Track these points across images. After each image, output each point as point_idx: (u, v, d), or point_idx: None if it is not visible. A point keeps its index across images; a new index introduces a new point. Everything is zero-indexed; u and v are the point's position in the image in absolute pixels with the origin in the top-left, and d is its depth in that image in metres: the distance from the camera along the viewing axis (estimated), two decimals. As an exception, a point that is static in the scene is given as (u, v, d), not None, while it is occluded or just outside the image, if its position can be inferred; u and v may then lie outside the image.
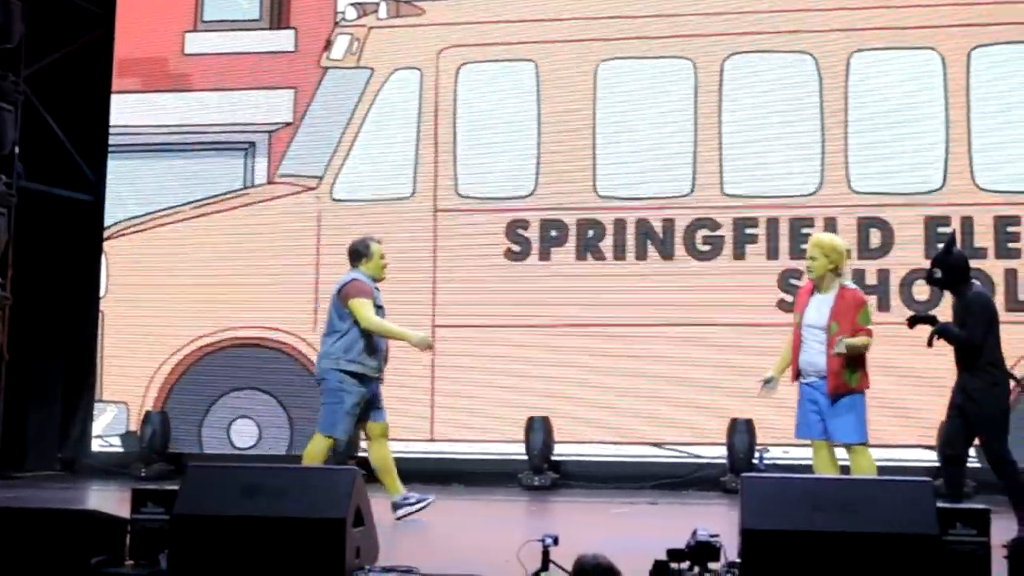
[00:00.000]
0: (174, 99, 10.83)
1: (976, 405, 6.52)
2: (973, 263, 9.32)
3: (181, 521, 4.82)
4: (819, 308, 6.49)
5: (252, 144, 10.66)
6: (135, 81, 10.93)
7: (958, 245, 7.13)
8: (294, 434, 10.19)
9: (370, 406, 7.24)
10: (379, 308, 7.25)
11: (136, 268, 10.64)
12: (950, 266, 6.74)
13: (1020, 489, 6.52)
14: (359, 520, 5.00)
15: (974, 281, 6.92)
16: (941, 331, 6.61)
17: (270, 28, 10.80)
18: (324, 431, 7.18)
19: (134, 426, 10.41)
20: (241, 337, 10.39)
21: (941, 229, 9.66)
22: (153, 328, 10.47)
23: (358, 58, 10.55)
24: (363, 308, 7.10)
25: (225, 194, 10.64)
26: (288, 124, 10.60)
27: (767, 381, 6.66)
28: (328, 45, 10.62)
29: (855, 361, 6.40)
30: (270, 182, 10.59)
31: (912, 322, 6.74)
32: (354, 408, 7.14)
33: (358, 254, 7.42)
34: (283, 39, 10.76)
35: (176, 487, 5.01)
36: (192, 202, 10.68)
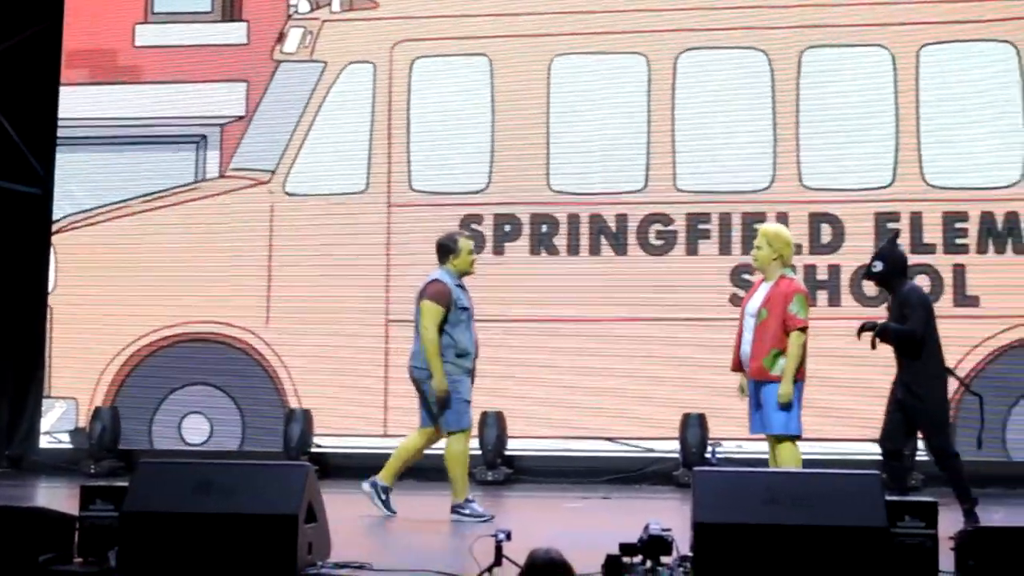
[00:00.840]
0: (124, 92, 10.72)
1: (916, 399, 6.61)
2: (923, 259, 9.55)
3: (131, 518, 4.79)
4: (757, 296, 6.54)
5: (204, 137, 10.57)
6: (84, 73, 10.80)
7: (901, 242, 7.18)
8: (246, 430, 10.14)
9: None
10: (464, 310, 7.11)
11: (85, 262, 10.53)
12: (890, 260, 6.82)
13: (963, 481, 6.61)
14: (311, 516, 4.98)
15: (910, 281, 6.98)
16: (882, 330, 6.68)
17: (222, 20, 10.70)
18: (455, 427, 7.04)
19: (83, 422, 10.29)
20: (193, 332, 10.31)
21: (891, 225, 9.76)
22: (103, 323, 10.36)
23: (311, 51, 10.49)
24: (429, 314, 6.97)
25: (176, 188, 10.54)
26: (240, 117, 10.52)
27: (742, 389, 6.66)
28: (281, 38, 10.56)
29: (781, 348, 6.39)
30: (222, 176, 10.50)
31: (861, 331, 6.79)
32: (469, 394, 7.04)
33: (446, 250, 7.27)
34: (235, 32, 10.67)
35: (126, 484, 4.97)
36: (142, 196, 10.57)
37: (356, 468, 9.73)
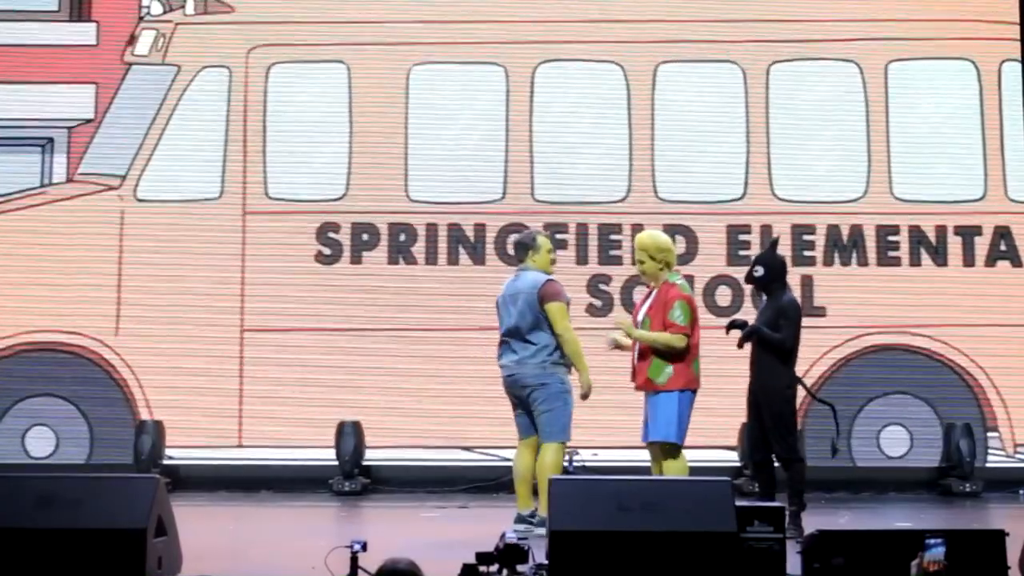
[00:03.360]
0: (-35, 92, 10.32)
1: (769, 404, 6.76)
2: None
3: (-32, 535, 4.60)
4: (644, 306, 6.49)
5: (50, 140, 10.24)
6: (-78, 72, 10.37)
7: (779, 249, 7.30)
8: (95, 442, 9.83)
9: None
10: (567, 304, 6.89)
11: (-76, 269, 10.09)
12: (771, 266, 6.96)
13: (801, 486, 6.78)
14: (161, 530, 4.87)
15: (789, 289, 7.12)
16: (754, 332, 6.80)
17: (70, 20, 10.40)
18: (558, 438, 6.73)
19: (-77, 435, 9.86)
20: (38, 341, 9.97)
21: (742, 237, 10.03)
22: (-57, 332, 9.96)
23: (164, 54, 10.26)
24: (563, 314, 6.74)
25: (21, 192, 10.19)
26: (89, 121, 10.21)
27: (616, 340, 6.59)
28: (132, 40, 10.29)
29: (663, 358, 6.32)
30: (70, 180, 10.19)
31: (729, 328, 6.90)
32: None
33: (524, 247, 7.02)
34: (84, 32, 10.37)
35: (-37, 499, 4.77)
36: (-15, 200, 10.20)
37: (209, 480, 9.58)
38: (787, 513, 6.52)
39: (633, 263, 9.84)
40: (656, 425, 6.35)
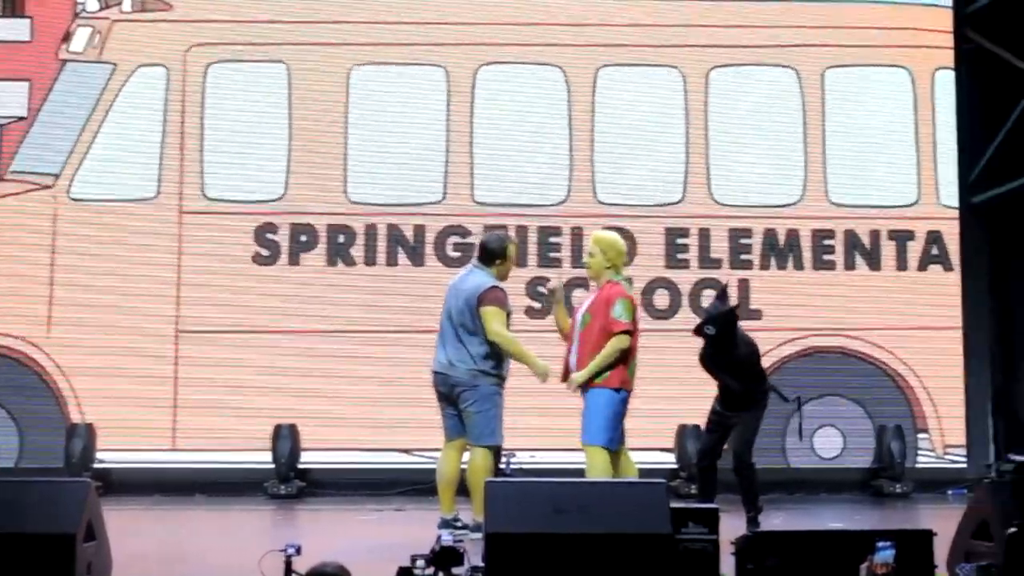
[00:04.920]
0: None
1: (738, 417, 6.85)
2: (710, 274, 9.92)
3: None
4: (585, 304, 6.40)
5: (-19, 138, 10.06)
6: None
7: (730, 297, 7.29)
8: (24, 446, 9.66)
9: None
10: (508, 315, 6.76)
11: None
12: (723, 324, 6.87)
13: (755, 491, 6.87)
14: (91, 535, 4.80)
15: (740, 331, 7.06)
16: (710, 360, 6.88)
17: (3, 16, 10.21)
18: (486, 441, 6.64)
19: None
20: (-33, 343, 9.80)
21: (680, 240, 10.10)
22: None
23: (100, 52, 10.12)
24: (497, 319, 6.59)
25: (-49, 190, 10.01)
26: (22, 118, 10.04)
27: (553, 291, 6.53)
28: (67, 37, 10.14)
29: (612, 356, 6.19)
30: (1, 179, 10.01)
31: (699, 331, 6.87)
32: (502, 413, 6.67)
33: (494, 255, 6.84)
34: (17, 28, 10.19)
35: None
36: (-88, 198, 10.00)
37: (143, 484, 9.46)
38: (747, 519, 6.67)
39: (573, 265, 10.06)
40: (588, 425, 6.24)
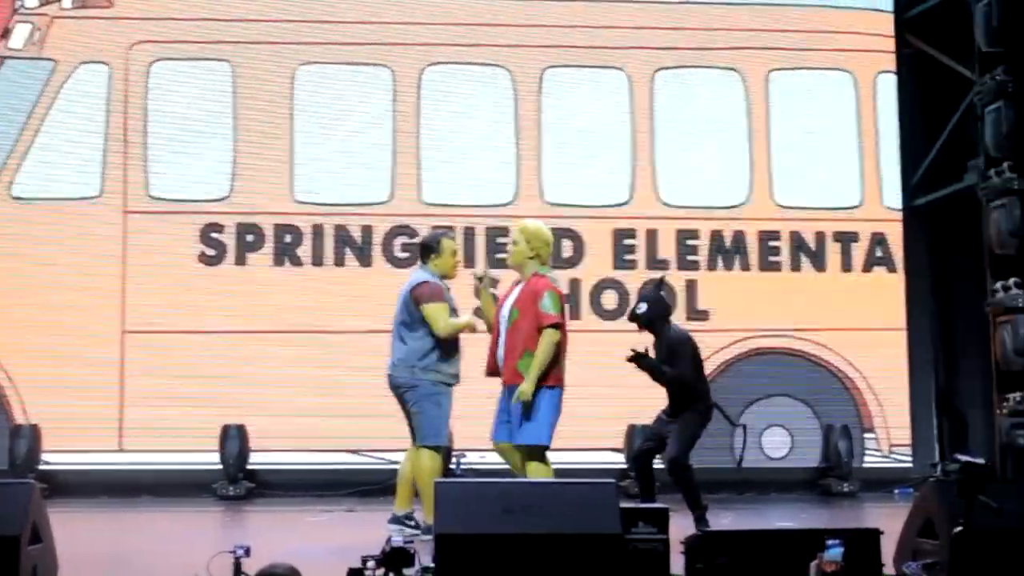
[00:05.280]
0: None
1: (676, 429, 6.88)
2: (657, 274, 9.93)
3: None
4: (510, 298, 6.14)
5: (-83, 137, 9.89)
6: None
7: (668, 288, 7.36)
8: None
9: None
10: (454, 312, 6.61)
11: None
12: (654, 303, 6.97)
13: (695, 491, 6.91)
14: (36, 537, 4.73)
15: (674, 323, 7.17)
16: (652, 369, 6.86)
17: (-60, 12, 10.07)
18: (430, 441, 6.50)
19: None
20: (-95, 344, 9.62)
21: (628, 241, 10.14)
22: None
23: (40, 48, 9.98)
24: (441, 314, 6.46)
25: None
26: (-40, 116, 9.90)
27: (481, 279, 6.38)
28: (6, 33, 9.99)
29: (548, 353, 5.93)
30: (-61, 178, 9.86)
31: (631, 360, 6.81)
32: (448, 414, 6.54)
33: (428, 250, 6.76)
34: (-44, 25, 10.05)
35: None
36: None
37: (89, 486, 9.34)
38: (694, 519, 6.70)
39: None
40: (523, 425, 5.96)
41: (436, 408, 6.57)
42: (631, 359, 6.79)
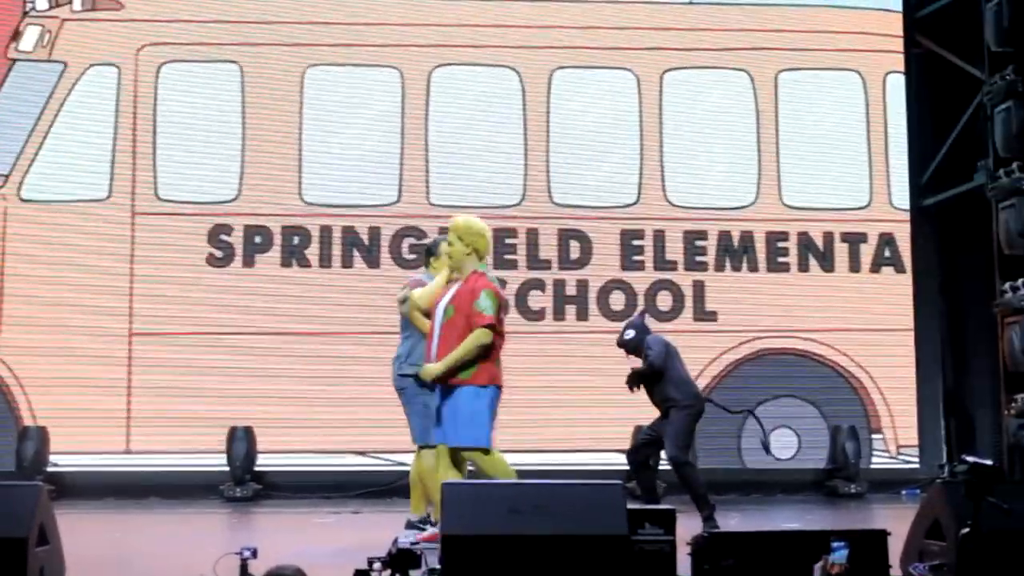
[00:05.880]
0: None
1: (669, 423, 6.93)
2: (665, 275, 10.00)
3: None
4: (448, 295, 5.88)
5: (-71, 137, 9.92)
6: None
7: (647, 318, 7.63)
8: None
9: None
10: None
11: None
12: (641, 330, 7.21)
13: (700, 490, 6.92)
14: (44, 539, 4.74)
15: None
16: (632, 375, 7.07)
17: (-50, 15, 10.10)
18: (419, 440, 6.49)
19: None
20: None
21: (636, 242, 10.13)
22: None
23: (50, 51, 10.01)
24: (416, 318, 6.33)
25: (-102, 191, 9.87)
26: (-30, 118, 9.93)
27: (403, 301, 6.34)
28: (16, 35, 10.03)
29: (472, 351, 5.66)
30: (-51, 180, 9.89)
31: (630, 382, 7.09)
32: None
33: (428, 253, 6.79)
34: (-35, 27, 10.08)
35: None
36: None
37: (96, 487, 9.36)
38: (702, 519, 6.71)
39: (528, 267, 10.08)
40: (457, 427, 5.69)
41: (423, 408, 6.54)
42: (630, 383, 7.09)
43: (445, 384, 5.71)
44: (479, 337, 5.66)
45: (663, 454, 7.09)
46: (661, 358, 7.02)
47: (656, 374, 7.01)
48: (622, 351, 7.28)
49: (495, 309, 5.73)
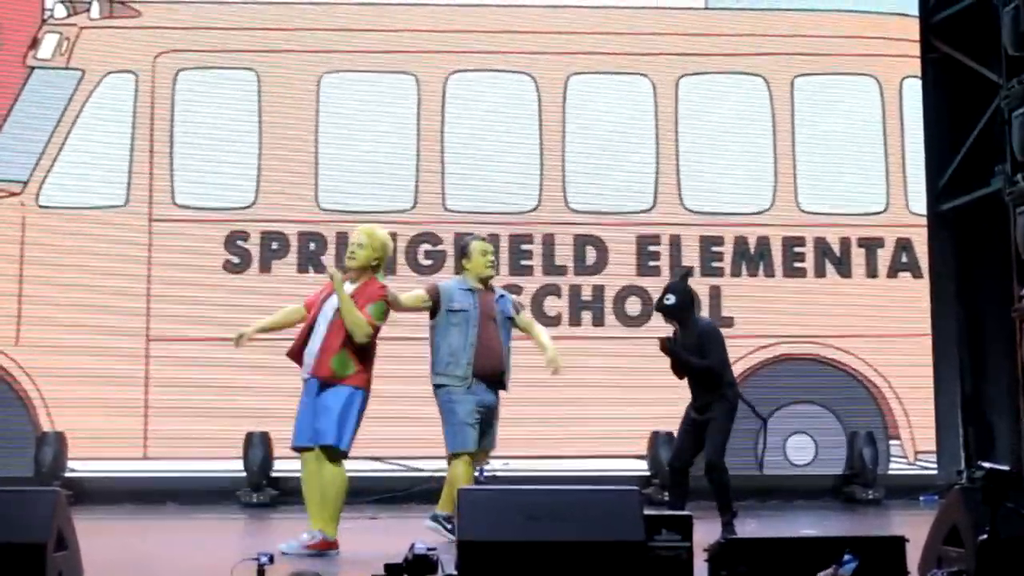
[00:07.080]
0: None
1: (713, 422, 6.84)
2: (679, 280, 9.94)
3: None
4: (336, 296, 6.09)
5: (-53, 146, 9.98)
6: None
7: (687, 260, 7.37)
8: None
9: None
10: (457, 312, 6.56)
11: None
12: (681, 294, 6.96)
13: (728, 495, 6.89)
14: (62, 544, 4.76)
15: (701, 314, 7.17)
16: (684, 363, 6.88)
17: (-31, 23, 10.16)
18: (450, 449, 6.55)
19: None
20: (-66, 352, 9.70)
21: (652, 248, 10.13)
22: None
23: (68, 59, 10.06)
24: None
25: (-83, 198, 9.92)
26: (-10, 125, 9.98)
27: (240, 337, 6.41)
28: (35, 43, 10.08)
29: (353, 350, 6.04)
30: (-32, 187, 9.94)
31: (663, 349, 6.87)
32: (469, 416, 6.48)
33: (460, 256, 6.84)
34: (-16, 35, 10.15)
35: None
36: None
37: (114, 493, 9.39)
38: (722, 524, 6.67)
39: (544, 273, 10.07)
40: (327, 424, 6.01)
41: (452, 415, 6.57)
42: (663, 347, 6.83)
43: (326, 380, 5.98)
44: (364, 326, 5.97)
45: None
46: (720, 359, 6.85)
47: (703, 347, 6.85)
48: (660, 315, 7.08)
49: (381, 319, 6.08)
